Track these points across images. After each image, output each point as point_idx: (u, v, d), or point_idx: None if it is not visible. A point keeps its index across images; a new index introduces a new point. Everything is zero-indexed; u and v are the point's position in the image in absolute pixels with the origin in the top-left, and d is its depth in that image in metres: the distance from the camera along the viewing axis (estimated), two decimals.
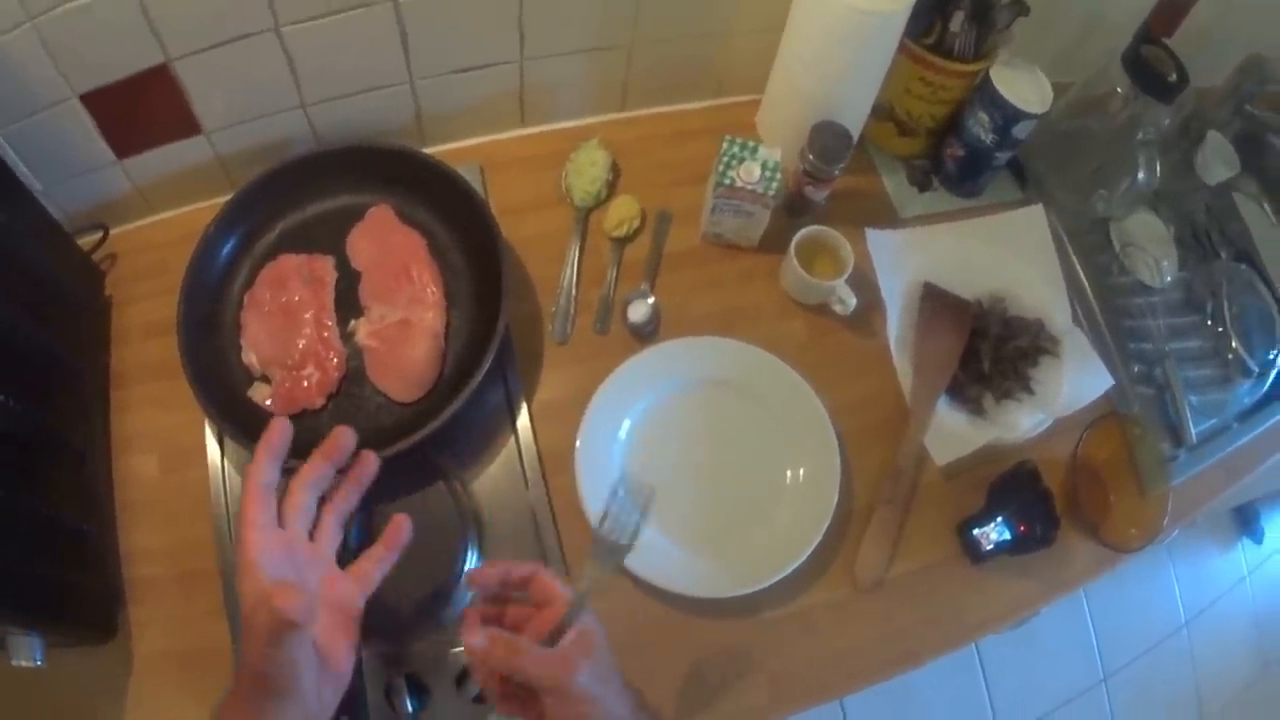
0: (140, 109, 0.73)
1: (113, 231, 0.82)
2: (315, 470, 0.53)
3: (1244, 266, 0.88)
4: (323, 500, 0.54)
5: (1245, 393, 0.83)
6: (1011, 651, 1.47)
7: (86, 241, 0.80)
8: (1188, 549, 1.65)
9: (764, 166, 0.72)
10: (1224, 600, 1.65)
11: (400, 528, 0.55)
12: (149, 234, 0.83)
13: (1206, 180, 0.90)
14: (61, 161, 0.74)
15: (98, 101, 0.70)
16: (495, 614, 0.52)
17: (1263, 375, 0.83)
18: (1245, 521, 1.70)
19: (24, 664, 0.57)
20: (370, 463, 0.56)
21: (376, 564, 0.54)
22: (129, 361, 0.78)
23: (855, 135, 0.77)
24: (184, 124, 0.76)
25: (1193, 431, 0.79)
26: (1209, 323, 0.85)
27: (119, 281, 0.81)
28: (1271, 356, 0.84)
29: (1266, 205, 0.92)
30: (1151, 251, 0.86)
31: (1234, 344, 0.83)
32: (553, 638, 0.49)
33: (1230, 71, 0.93)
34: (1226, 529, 1.71)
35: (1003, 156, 0.81)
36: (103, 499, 0.72)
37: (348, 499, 0.55)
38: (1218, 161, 0.90)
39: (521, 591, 0.52)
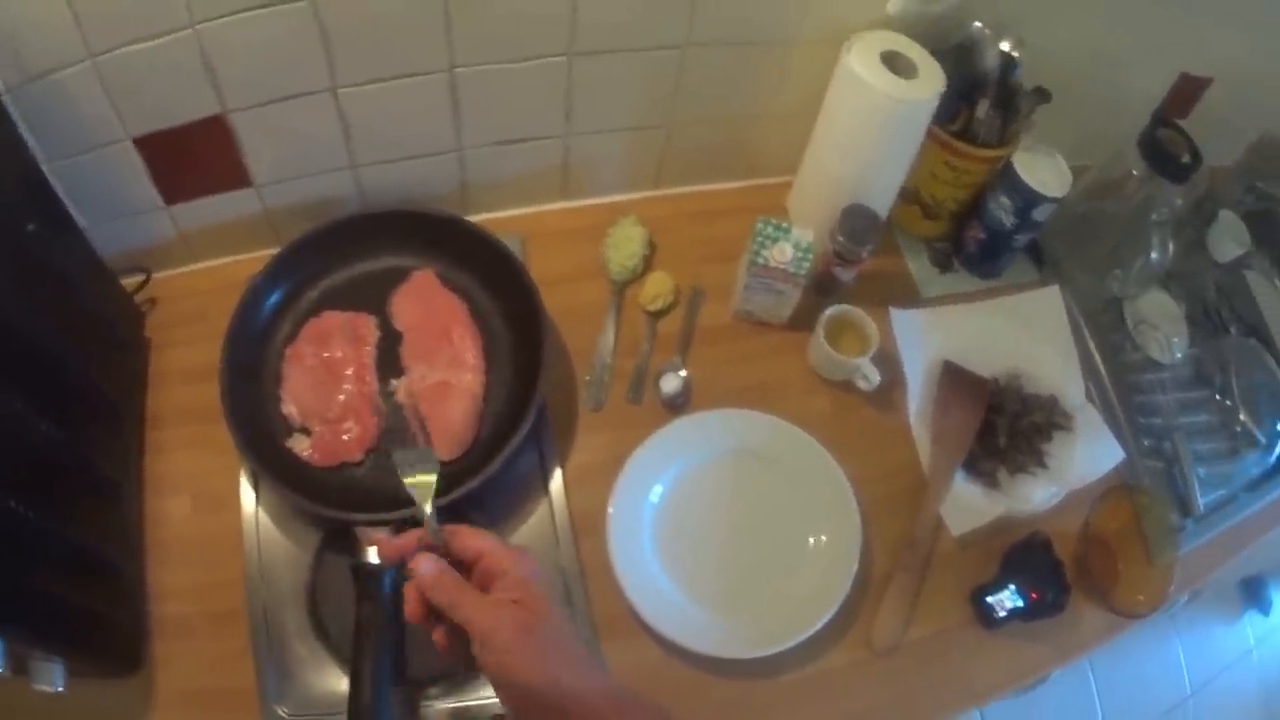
0: (193, 157, 0.76)
1: (154, 276, 0.84)
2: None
3: (1252, 341, 0.93)
4: None
5: (1252, 464, 0.87)
6: None
7: (128, 283, 0.83)
8: (1194, 621, 1.64)
9: (796, 247, 0.77)
10: (1230, 672, 1.65)
11: None
12: (190, 281, 0.87)
13: (1218, 258, 0.96)
14: (108, 201, 0.77)
15: (151, 145, 0.73)
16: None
17: (1269, 447, 0.88)
18: (1252, 593, 1.72)
19: (44, 689, 0.57)
20: None
21: None
22: (165, 405, 0.81)
23: (883, 218, 0.82)
24: (235, 175, 0.79)
25: (1200, 502, 0.83)
26: (1218, 397, 0.90)
27: (158, 326, 0.84)
28: (1279, 428, 0.88)
29: (1277, 281, 0.97)
30: (1163, 329, 0.91)
31: (1242, 416, 0.88)
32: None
33: (1243, 151, 0.99)
34: (1233, 602, 1.72)
35: (1022, 239, 0.86)
36: (134, 534, 0.74)
37: None
38: (1228, 239, 0.96)
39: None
